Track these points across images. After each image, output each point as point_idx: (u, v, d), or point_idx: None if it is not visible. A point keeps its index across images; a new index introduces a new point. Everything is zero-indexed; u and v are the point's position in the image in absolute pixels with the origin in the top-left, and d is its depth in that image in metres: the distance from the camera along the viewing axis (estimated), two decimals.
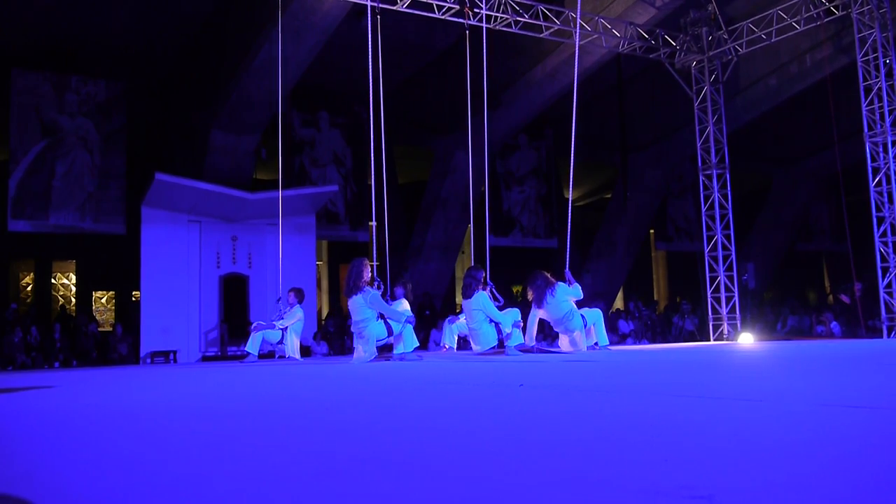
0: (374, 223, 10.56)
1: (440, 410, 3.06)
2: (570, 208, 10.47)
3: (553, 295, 9.03)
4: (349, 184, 16.93)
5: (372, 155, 10.03)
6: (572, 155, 10.35)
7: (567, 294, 9.12)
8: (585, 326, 9.28)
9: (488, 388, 4.14)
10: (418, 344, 8.74)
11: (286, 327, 10.15)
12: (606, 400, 3.21)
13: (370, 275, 8.43)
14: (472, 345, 9.15)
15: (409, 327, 8.37)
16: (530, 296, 9.32)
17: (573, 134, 10.41)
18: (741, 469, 1.62)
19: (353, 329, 8.52)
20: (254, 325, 10.46)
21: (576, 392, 3.67)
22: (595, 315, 9.46)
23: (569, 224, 10.35)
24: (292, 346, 10.18)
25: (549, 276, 9.31)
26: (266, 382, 5.46)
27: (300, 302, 10.41)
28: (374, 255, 10.15)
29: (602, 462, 1.76)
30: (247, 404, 3.67)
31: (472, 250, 11.53)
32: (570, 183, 10.63)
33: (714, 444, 1.96)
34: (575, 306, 9.22)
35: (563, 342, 9.43)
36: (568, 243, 10.19)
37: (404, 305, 9.43)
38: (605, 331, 9.63)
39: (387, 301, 9.25)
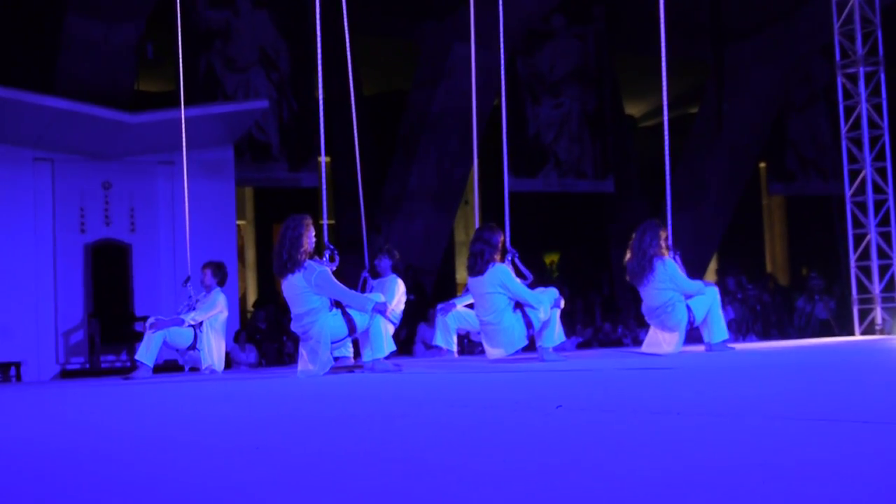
0: (325, 158, 10.52)
1: (435, 445, 3.09)
2: (666, 134, 10.29)
3: (657, 272, 9.16)
4: (285, 97, 16.86)
5: (319, 51, 9.98)
6: (662, 30, 10.23)
7: (675, 280, 9.22)
8: (693, 324, 9.44)
9: (507, 411, 4.17)
10: (395, 348, 8.73)
11: (200, 323, 10.20)
12: (685, 426, 3.24)
13: (314, 241, 8.38)
14: (487, 347, 9.14)
15: (379, 320, 8.33)
16: (627, 256, 9.45)
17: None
18: None
19: (293, 327, 8.54)
20: (149, 320, 10.49)
21: (641, 416, 3.70)
22: (708, 301, 9.53)
23: (667, 171, 10.22)
24: (211, 351, 10.23)
25: (663, 235, 9.38)
26: (160, 411, 5.48)
27: (221, 284, 10.43)
28: (326, 211, 10.11)
29: None
30: (129, 448, 3.69)
31: (478, 199, 11.48)
32: (664, 86, 10.51)
33: (856, 486, 1.98)
34: (682, 296, 9.32)
35: (653, 339, 9.56)
36: (668, 203, 10.16)
37: (398, 287, 9.43)
38: (723, 320, 9.76)
39: (366, 285, 9.24)
